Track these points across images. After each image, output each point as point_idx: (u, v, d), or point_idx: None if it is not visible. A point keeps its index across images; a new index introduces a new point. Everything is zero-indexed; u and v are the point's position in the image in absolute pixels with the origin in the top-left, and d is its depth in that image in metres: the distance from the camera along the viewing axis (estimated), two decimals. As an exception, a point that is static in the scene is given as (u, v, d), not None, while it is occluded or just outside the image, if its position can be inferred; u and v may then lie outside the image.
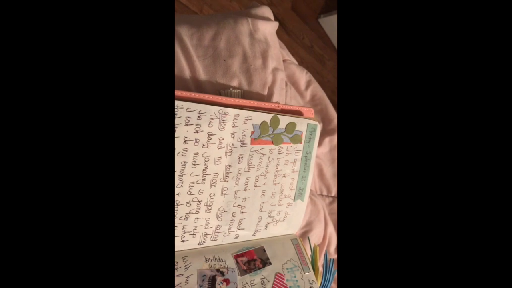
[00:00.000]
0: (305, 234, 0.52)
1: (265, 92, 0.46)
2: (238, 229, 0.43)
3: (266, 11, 0.52)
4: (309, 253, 0.46)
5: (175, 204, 0.38)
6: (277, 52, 0.51)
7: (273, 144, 0.42)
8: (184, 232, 0.39)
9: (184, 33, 0.42)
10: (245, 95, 0.44)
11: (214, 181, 0.39)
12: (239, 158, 0.40)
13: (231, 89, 0.42)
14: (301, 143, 0.44)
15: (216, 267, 0.40)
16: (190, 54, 0.41)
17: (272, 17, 0.52)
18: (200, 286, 0.37)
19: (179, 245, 0.40)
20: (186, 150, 0.36)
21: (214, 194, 0.40)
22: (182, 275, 0.38)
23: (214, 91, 0.42)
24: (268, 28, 0.49)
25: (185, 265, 0.38)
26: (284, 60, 0.57)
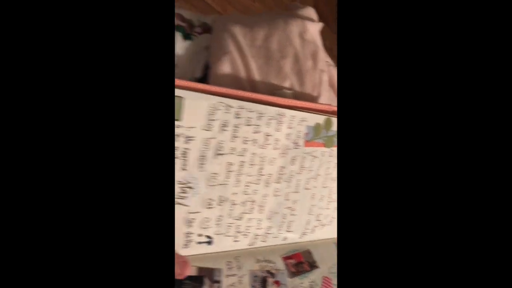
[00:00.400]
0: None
1: (315, 94, 0.46)
2: (287, 231, 0.43)
3: (312, 12, 0.51)
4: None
5: (232, 203, 0.38)
6: (324, 54, 0.51)
7: (325, 146, 0.42)
8: (237, 232, 0.39)
9: (238, 32, 0.42)
10: (296, 96, 0.44)
11: (268, 182, 0.39)
12: (292, 159, 0.40)
13: (284, 90, 0.42)
14: (351, 146, 0.44)
15: (267, 269, 0.40)
16: (244, 54, 0.41)
17: (316, 18, 0.51)
18: (253, 286, 0.37)
19: (232, 245, 0.40)
20: (245, 150, 0.36)
21: (267, 195, 0.40)
22: (236, 274, 0.38)
23: (268, 91, 0.42)
24: (315, 29, 0.49)
25: (238, 265, 0.38)
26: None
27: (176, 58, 0.41)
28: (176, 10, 0.45)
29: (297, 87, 0.44)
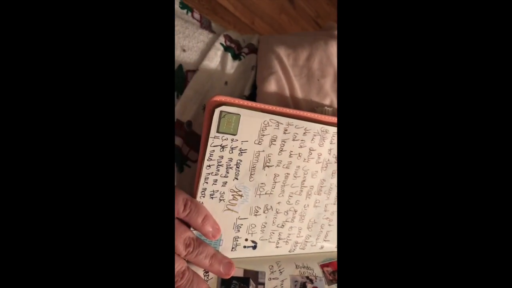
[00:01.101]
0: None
1: None
2: (324, 240, 0.45)
3: None
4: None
5: (276, 212, 0.41)
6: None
7: (362, 161, 0.44)
8: (279, 239, 0.42)
9: (282, 53, 0.46)
10: (336, 113, 0.47)
11: (309, 193, 0.42)
12: (332, 173, 0.42)
13: (325, 107, 0.45)
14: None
15: (306, 275, 0.42)
16: (288, 74, 0.45)
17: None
18: (294, 291, 0.40)
19: (274, 251, 0.43)
20: (290, 163, 0.39)
21: (308, 205, 0.42)
22: (277, 278, 0.40)
23: (309, 108, 0.45)
24: (353, 50, 0.51)
25: (279, 270, 0.41)
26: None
27: (226, 77, 0.45)
28: (224, 32, 0.50)
29: (336, 105, 0.47)
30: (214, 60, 0.43)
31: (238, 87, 0.45)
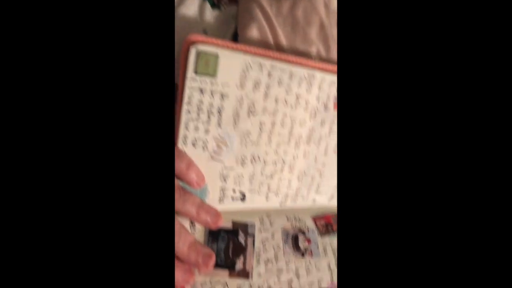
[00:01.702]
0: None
1: None
2: (316, 193, 0.44)
3: None
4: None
5: (264, 162, 0.39)
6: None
7: (353, 110, 0.42)
8: (269, 190, 0.41)
9: (264, 3, 0.44)
10: (323, 61, 0.45)
11: (298, 143, 0.40)
12: (321, 122, 0.41)
13: (313, 55, 0.43)
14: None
15: (298, 227, 0.41)
16: (272, 22, 0.43)
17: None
18: (285, 242, 0.39)
19: (264, 204, 0.41)
20: (277, 111, 0.38)
21: (297, 156, 0.41)
22: (268, 230, 0.39)
23: (296, 57, 0.43)
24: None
25: (270, 222, 0.40)
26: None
27: (205, 26, 0.43)
28: None
29: (323, 53, 0.45)
30: (191, 8, 0.41)
31: (218, 36, 0.43)
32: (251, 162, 0.39)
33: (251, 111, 0.37)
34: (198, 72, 0.33)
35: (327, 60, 0.46)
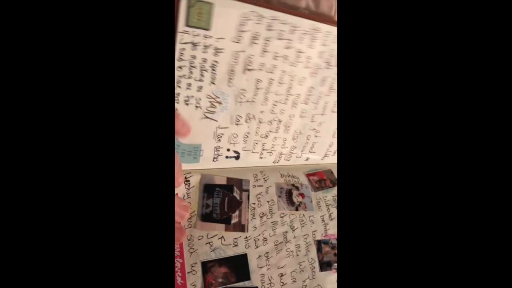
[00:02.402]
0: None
1: (332, 13, 0.42)
2: (310, 152, 0.44)
3: None
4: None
5: (259, 121, 0.38)
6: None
7: (356, 67, 0.40)
8: (263, 149, 0.41)
9: None
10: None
11: (295, 102, 0.39)
12: (322, 80, 0.39)
13: (302, 9, 0.38)
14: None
15: (291, 182, 0.42)
16: None
17: None
18: (279, 196, 0.40)
19: (257, 162, 0.42)
20: (275, 67, 0.35)
21: (293, 115, 0.40)
22: (262, 186, 0.40)
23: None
24: None
25: (264, 178, 0.41)
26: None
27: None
28: None
29: (312, 7, 0.41)
30: None
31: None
32: (246, 121, 0.38)
33: (247, 68, 0.34)
34: (190, 24, 0.29)
35: (316, 14, 0.41)
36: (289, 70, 0.36)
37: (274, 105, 0.38)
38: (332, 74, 0.39)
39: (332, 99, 0.41)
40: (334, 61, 0.38)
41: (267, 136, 0.40)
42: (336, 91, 0.40)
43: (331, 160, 0.47)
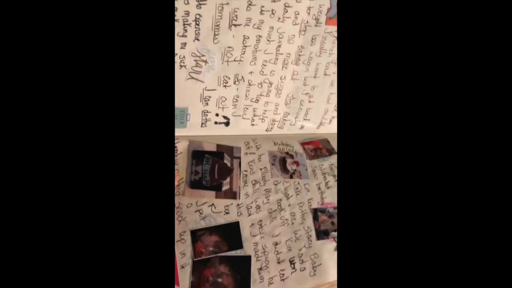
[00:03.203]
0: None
1: None
2: (304, 119, 0.42)
3: None
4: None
5: (249, 83, 0.37)
6: None
7: (348, 26, 0.38)
8: (254, 115, 0.39)
9: None
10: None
11: (286, 62, 0.37)
12: (312, 39, 0.37)
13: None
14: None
15: (285, 150, 0.40)
16: None
17: None
18: (272, 164, 0.38)
19: (249, 129, 0.40)
20: (262, 22, 0.33)
21: (285, 77, 0.38)
22: (254, 153, 0.38)
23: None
24: None
25: (256, 146, 0.39)
26: None
27: None
28: None
29: None
30: None
31: None
32: (235, 82, 0.36)
33: (233, 23, 0.32)
34: (167, -32, 0.28)
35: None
36: (277, 26, 0.34)
37: (264, 65, 0.36)
38: (321, 32, 0.37)
39: (324, 60, 0.39)
40: (323, 18, 0.36)
41: (257, 100, 0.38)
42: (327, 52, 0.39)
43: (327, 129, 0.45)
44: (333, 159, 0.41)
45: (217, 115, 0.37)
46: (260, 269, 0.32)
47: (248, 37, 0.34)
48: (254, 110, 0.39)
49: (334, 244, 0.35)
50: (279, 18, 0.34)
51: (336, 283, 0.35)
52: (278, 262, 0.33)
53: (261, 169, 0.38)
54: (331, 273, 0.34)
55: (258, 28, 0.34)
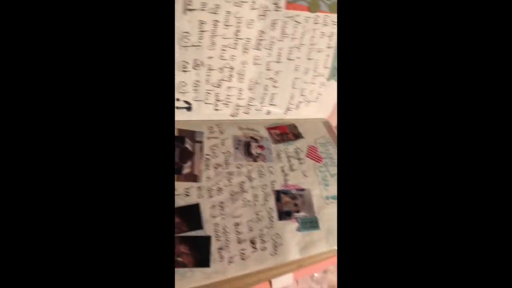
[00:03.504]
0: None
1: None
2: (270, 104, 0.43)
3: None
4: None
5: (209, 68, 0.37)
6: None
7: (309, 11, 0.39)
8: (217, 100, 0.40)
9: None
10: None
11: (246, 47, 0.38)
12: (272, 23, 0.37)
13: None
14: (339, 13, 0.40)
15: (250, 135, 0.41)
16: None
17: None
18: (236, 148, 0.39)
19: (212, 114, 0.40)
20: (218, 7, 0.34)
21: (246, 62, 0.38)
22: (218, 138, 0.39)
23: None
24: None
25: (220, 130, 0.40)
26: None
27: None
28: None
29: None
30: None
31: None
32: (194, 67, 0.36)
33: (187, 7, 0.33)
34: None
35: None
36: (234, 11, 0.35)
37: (223, 50, 0.37)
38: (282, 17, 0.38)
39: (286, 45, 0.40)
40: (282, 2, 0.37)
41: (219, 85, 0.39)
42: (289, 36, 0.39)
43: (295, 114, 0.45)
44: (299, 143, 0.42)
45: (177, 99, 0.38)
46: (220, 248, 0.33)
47: (205, 22, 0.34)
48: (216, 95, 0.39)
49: (296, 225, 0.36)
50: (235, 3, 0.35)
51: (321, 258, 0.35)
52: (239, 242, 0.34)
53: (224, 153, 0.38)
54: (292, 252, 0.34)
55: (214, 13, 0.34)
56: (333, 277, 0.49)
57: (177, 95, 0.37)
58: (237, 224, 0.35)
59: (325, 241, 0.35)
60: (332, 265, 0.46)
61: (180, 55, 0.35)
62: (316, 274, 0.49)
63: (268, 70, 0.40)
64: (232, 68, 0.38)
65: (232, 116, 0.41)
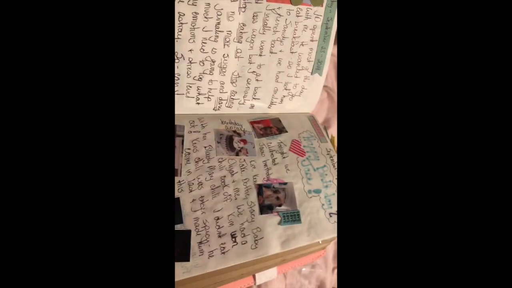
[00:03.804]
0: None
1: None
2: (253, 98, 0.43)
3: None
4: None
5: (189, 61, 0.37)
6: None
7: (291, 3, 0.38)
8: (199, 94, 0.39)
9: None
10: None
11: (227, 40, 0.37)
12: (253, 16, 0.37)
13: None
14: (322, 6, 0.40)
15: (233, 129, 0.41)
16: None
17: None
18: (218, 142, 0.39)
19: (194, 108, 0.40)
20: (197, 1, 0.34)
21: (227, 55, 0.38)
22: (199, 132, 0.39)
23: None
24: None
25: (202, 124, 0.39)
26: None
27: None
28: None
29: None
30: None
31: None
32: (174, 61, 0.36)
33: None
34: None
35: None
36: (214, 3, 0.35)
37: (204, 43, 0.36)
38: (263, 9, 0.37)
39: (269, 38, 0.39)
40: (263, -6, 0.37)
41: (201, 78, 0.38)
42: (271, 29, 0.39)
43: (279, 109, 0.45)
44: (283, 137, 0.42)
45: (159, 94, 0.37)
46: (200, 242, 0.33)
47: (183, 14, 0.34)
48: (198, 89, 0.39)
49: (278, 218, 0.36)
50: (214, -5, 0.34)
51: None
52: (219, 236, 0.33)
53: (205, 147, 0.38)
54: (273, 246, 0.34)
55: (193, 4, 0.34)
56: (321, 272, 0.49)
57: (157, 89, 0.37)
58: (217, 218, 0.34)
59: (307, 234, 0.35)
60: (319, 259, 0.46)
61: (159, 47, 0.35)
62: (304, 269, 0.49)
63: (250, 63, 0.40)
64: (213, 61, 0.38)
65: (214, 109, 0.41)
